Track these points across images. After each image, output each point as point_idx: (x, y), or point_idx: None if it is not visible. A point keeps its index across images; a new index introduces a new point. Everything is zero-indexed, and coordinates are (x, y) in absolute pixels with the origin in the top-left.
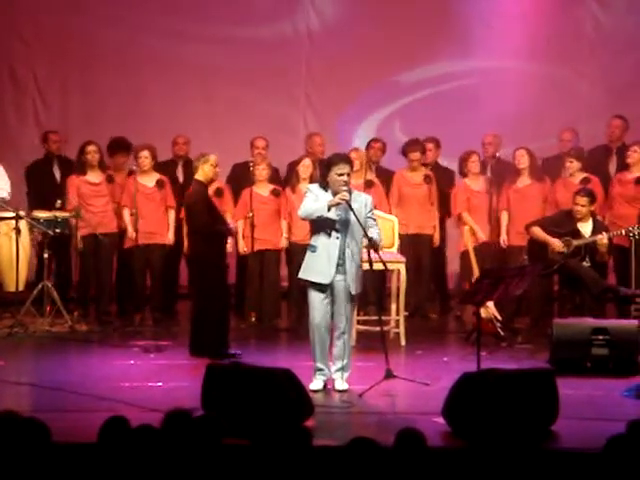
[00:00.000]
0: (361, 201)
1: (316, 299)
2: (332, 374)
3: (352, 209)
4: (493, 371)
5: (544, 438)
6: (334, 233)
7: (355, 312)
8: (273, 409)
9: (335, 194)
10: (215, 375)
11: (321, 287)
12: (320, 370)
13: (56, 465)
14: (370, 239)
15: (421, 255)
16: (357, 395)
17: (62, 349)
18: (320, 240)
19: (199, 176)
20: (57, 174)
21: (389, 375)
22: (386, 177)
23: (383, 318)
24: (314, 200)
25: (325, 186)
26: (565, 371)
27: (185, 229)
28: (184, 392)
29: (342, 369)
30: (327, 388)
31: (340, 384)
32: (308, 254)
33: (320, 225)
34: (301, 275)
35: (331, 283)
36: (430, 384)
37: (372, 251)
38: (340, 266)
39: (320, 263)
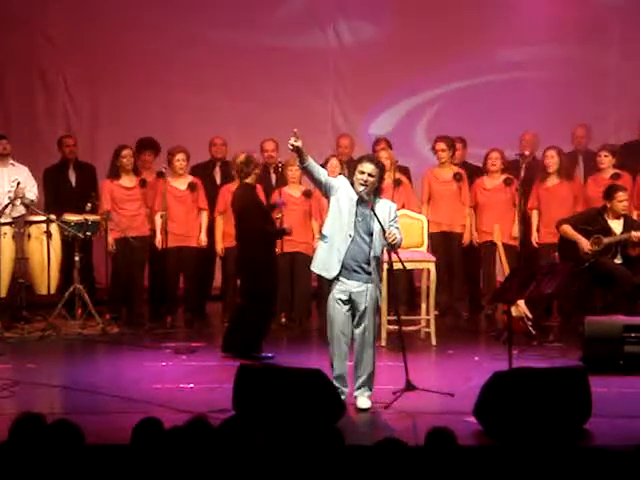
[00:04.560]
0: (385, 209)
1: (336, 311)
2: (355, 391)
3: (376, 215)
4: (525, 370)
5: (577, 436)
6: (347, 230)
7: (381, 315)
8: (305, 409)
9: (357, 192)
10: (247, 376)
11: (341, 300)
12: (337, 386)
13: (90, 467)
14: (389, 243)
15: (451, 253)
16: (382, 408)
17: (94, 351)
18: (332, 231)
19: (250, 180)
20: (73, 178)
21: (410, 387)
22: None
23: (413, 318)
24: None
25: (352, 184)
26: (597, 369)
27: (218, 231)
28: (216, 393)
29: (364, 386)
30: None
31: (362, 402)
32: (319, 243)
33: (336, 217)
34: (311, 267)
35: (350, 293)
36: (454, 395)
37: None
38: (360, 274)
39: (327, 256)
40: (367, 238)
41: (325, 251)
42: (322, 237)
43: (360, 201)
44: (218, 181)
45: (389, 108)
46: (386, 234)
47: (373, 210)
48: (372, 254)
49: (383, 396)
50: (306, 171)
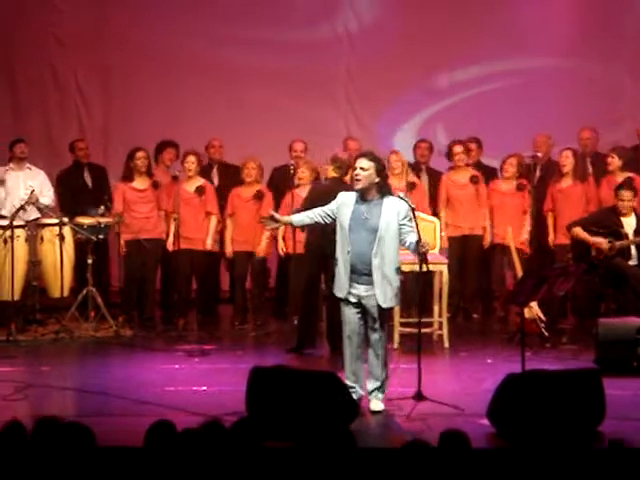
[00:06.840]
0: (392, 208)
1: (347, 311)
2: (368, 394)
3: (368, 216)
4: (538, 372)
5: (590, 439)
6: (346, 246)
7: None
8: (317, 412)
9: (356, 191)
10: (259, 378)
11: (352, 301)
12: (350, 387)
13: (102, 470)
14: (416, 245)
15: (470, 256)
16: (396, 411)
17: (107, 354)
18: (339, 253)
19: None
20: (89, 180)
21: (419, 397)
22: (436, 178)
23: (426, 320)
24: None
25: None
26: (611, 371)
27: (228, 234)
28: (229, 396)
29: (377, 389)
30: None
31: (375, 405)
32: (335, 267)
33: (339, 238)
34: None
35: (359, 297)
36: (464, 410)
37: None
38: (369, 276)
39: (339, 276)
40: (370, 237)
41: (338, 272)
42: (335, 260)
43: (362, 200)
44: (216, 183)
45: (402, 109)
46: (420, 244)
47: (367, 202)
48: (373, 251)
49: (396, 399)
50: (302, 228)
